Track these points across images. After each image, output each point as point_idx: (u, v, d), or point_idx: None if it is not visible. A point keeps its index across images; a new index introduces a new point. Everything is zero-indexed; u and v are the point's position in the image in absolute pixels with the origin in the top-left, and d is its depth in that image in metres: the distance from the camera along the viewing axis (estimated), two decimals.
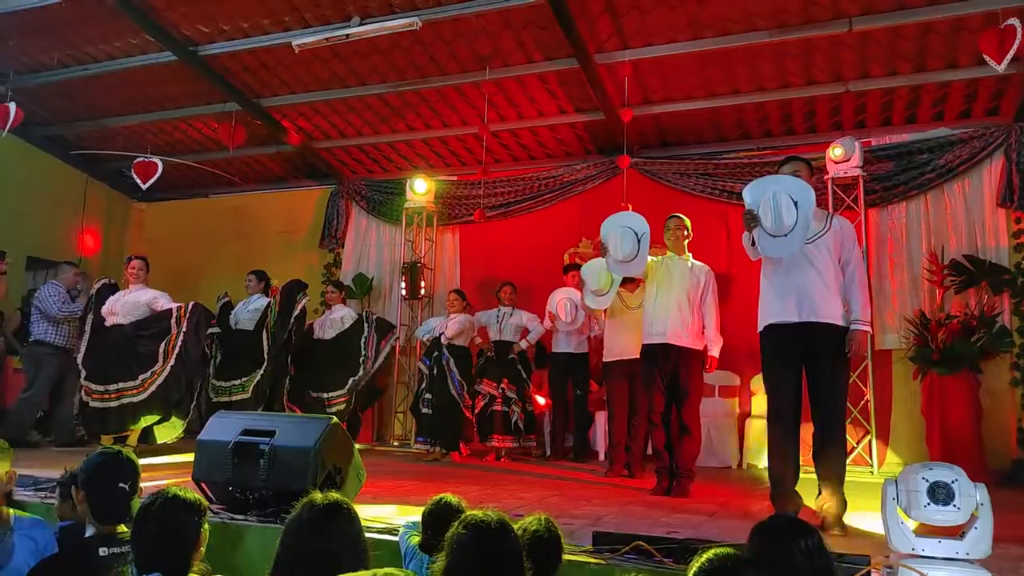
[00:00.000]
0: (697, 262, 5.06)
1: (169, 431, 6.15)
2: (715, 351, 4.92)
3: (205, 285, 8.62)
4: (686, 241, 5.07)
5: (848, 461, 4.27)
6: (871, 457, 6.46)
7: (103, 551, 2.28)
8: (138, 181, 8.30)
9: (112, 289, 6.40)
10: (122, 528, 2.35)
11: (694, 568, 1.81)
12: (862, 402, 6.49)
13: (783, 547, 1.89)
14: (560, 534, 2.41)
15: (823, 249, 3.83)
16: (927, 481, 2.37)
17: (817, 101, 7.01)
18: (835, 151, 6.58)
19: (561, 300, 6.69)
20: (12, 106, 7.35)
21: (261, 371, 6.33)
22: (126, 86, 8.20)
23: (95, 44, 7.60)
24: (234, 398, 6.23)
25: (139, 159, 8.34)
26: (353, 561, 1.94)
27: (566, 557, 2.59)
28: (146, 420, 6.02)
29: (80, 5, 6.86)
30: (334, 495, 2.07)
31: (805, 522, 2.01)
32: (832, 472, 3.68)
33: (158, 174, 8.25)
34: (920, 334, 6.25)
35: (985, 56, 5.34)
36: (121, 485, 2.34)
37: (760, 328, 3.94)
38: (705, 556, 1.83)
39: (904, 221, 6.90)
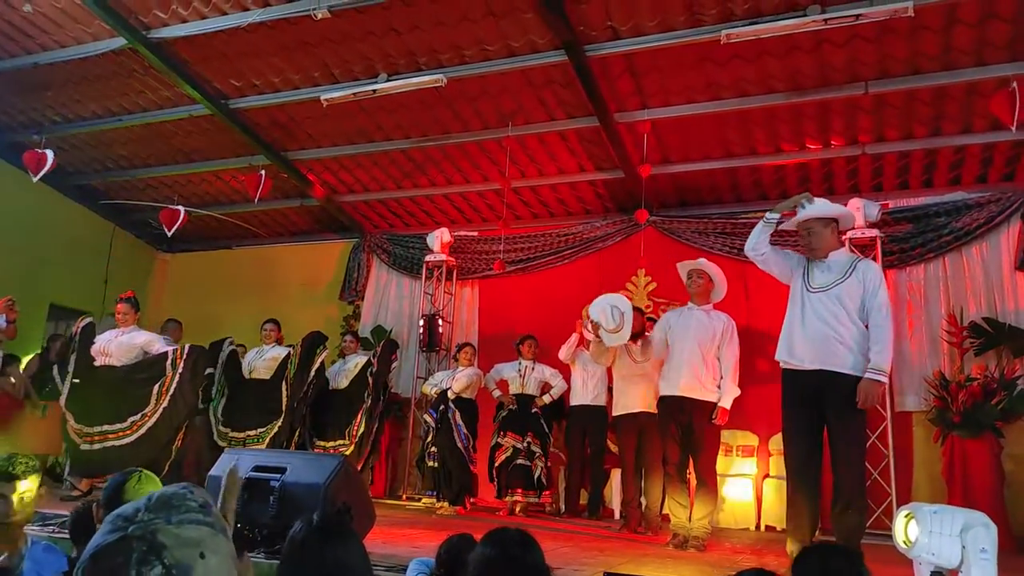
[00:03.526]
0: (717, 312, 5.02)
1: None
2: (726, 402, 4.76)
3: (226, 334, 8.68)
4: (712, 292, 5.01)
5: (868, 524, 4.18)
6: (891, 520, 6.27)
7: None
8: (164, 229, 8.47)
9: (94, 330, 6.27)
10: None
11: None
12: (882, 464, 6.35)
13: (834, 571, 1.82)
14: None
15: (834, 300, 3.84)
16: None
17: (834, 163, 7.10)
18: (870, 211, 6.58)
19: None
20: (49, 153, 7.58)
21: (279, 422, 6.27)
22: (157, 138, 8.48)
23: (129, 96, 7.89)
24: (248, 448, 6.16)
25: (165, 208, 8.54)
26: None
27: None
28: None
29: (117, 58, 7.17)
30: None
31: (853, 551, 1.95)
32: (845, 534, 3.60)
33: (182, 221, 8.42)
34: (940, 396, 6.15)
35: (998, 118, 5.41)
36: None
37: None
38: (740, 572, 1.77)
39: (923, 282, 6.88)
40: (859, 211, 6.51)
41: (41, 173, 7.67)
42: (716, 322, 4.93)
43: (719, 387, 4.79)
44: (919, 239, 6.89)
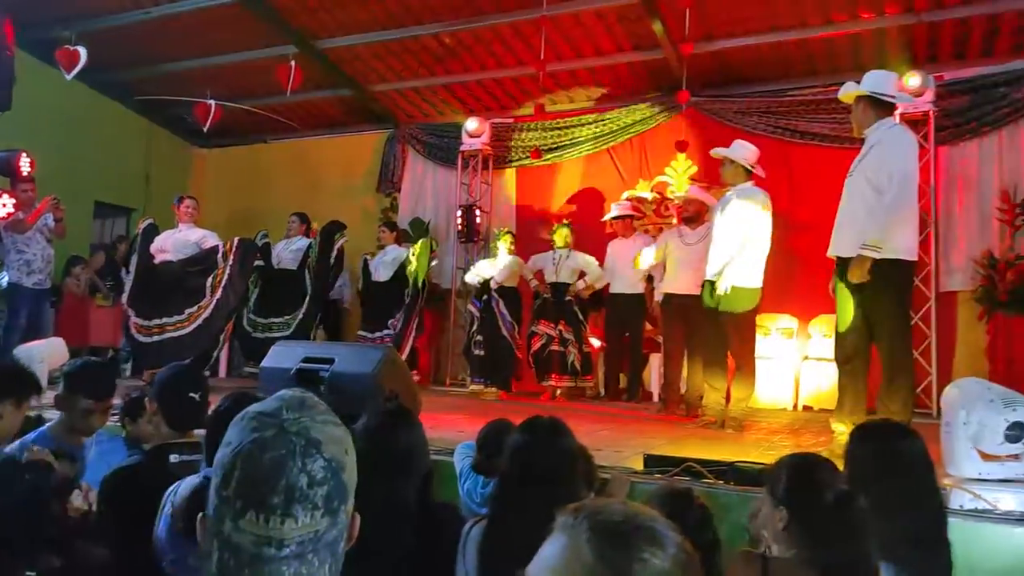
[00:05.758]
0: (748, 188, 4.89)
1: None
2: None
3: (265, 227, 8.80)
4: (734, 171, 4.91)
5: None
6: (931, 400, 6.31)
7: (174, 458, 2.39)
8: (198, 124, 8.44)
9: (155, 230, 6.51)
10: (192, 437, 2.47)
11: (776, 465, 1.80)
12: (924, 344, 6.32)
13: (888, 446, 1.86)
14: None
15: (857, 179, 3.73)
16: (1007, 422, 2.32)
17: (888, 33, 6.70)
18: (911, 80, 6.24)
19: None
20: (82, 50, 7.49)
21: (304, 309, 6.55)
22: (187, 30, 8.30)
23: None
24: (275, 334, 6.38)
25: (199, 103, 8.49)
26: (420, 463, 2.01)
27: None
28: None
29: None
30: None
31: (907, 426, 1.98)
32: (891, 412, 3.61)
33: (215, 115, 8.38)
34: (988, 275, 6.04)
35: None
36: (191, 395, 2.45)
37: None
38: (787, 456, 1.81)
39: (976, 159, 6.61)
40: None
41: (75, 71, 7.62)
42: (741, 201, 4.82)
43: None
44: (975, 112, 6.56)
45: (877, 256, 3.49)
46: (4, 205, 5.95)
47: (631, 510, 0.79)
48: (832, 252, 3.84)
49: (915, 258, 3.73)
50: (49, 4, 8.10)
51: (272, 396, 0.99)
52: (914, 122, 6.49)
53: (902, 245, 3.57)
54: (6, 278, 6.15)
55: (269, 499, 0.87)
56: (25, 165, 6.17)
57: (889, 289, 3.56)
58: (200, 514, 0.94)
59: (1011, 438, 2.28)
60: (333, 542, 0.92)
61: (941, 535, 1.82)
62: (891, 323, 3.62)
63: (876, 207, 3.56)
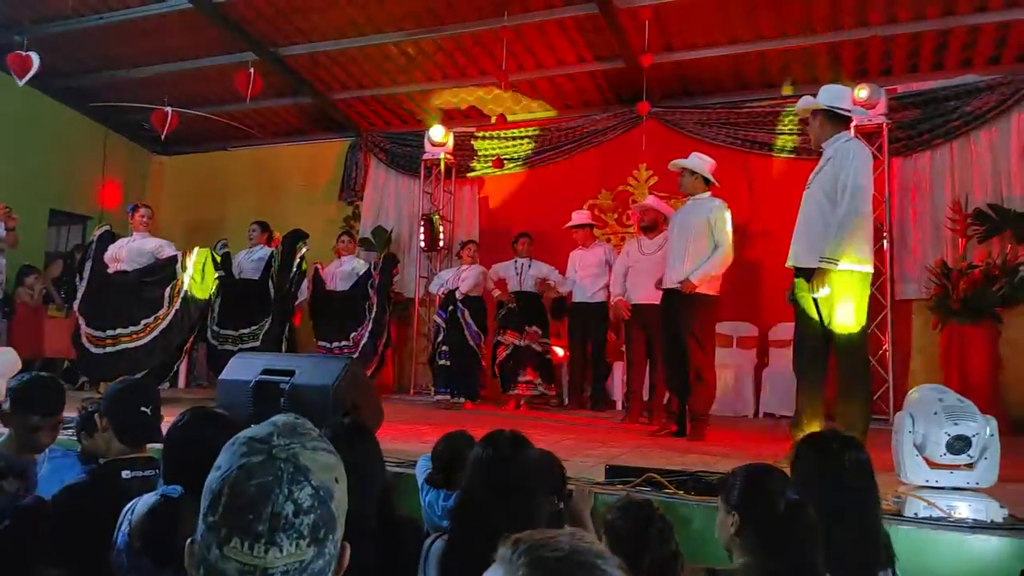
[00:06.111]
0: (705, 199, 4.97)
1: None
2: (695, 275, 4.73)
3: (226, 236, 8.67)
4: (692, 181, 4.97)
5: None
6: (889, 407, 6.45)
7: (126, 474, 2.34)
8: (156, 131, 8.30)
9: (112, 237, 6.36)
10: (145, 453, 2.41)
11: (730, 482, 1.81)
12: (880, 351, 6.46)
13: (831, 457, 1.89)
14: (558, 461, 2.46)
15: (814, 192, 3.82)
16: (948, 435, 2.37)
17: (842, 47, 6.86)
18: (860, 92, 6.41)
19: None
20: (35, 56, 7.31)
21: (269, 319, 6.47)
22: (143, 36, 8.16)
23: None
24: (241, 346, 6.28)
25: (156, 110, 8.34)
26: (373, 478, 1.99)
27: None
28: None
29: None
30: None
31: (851, 438, 2.01)
32: (847, 422, 3.64)
33: (172, 121, 8.23)
34: (941, 284, 6.19)
35: None
36: (143, 409, 2.39)
37: None
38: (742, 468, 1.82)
39: (928, 170, 6.79)
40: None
41: (27, 77, 7.43)
42: (700, 210, 4.90)
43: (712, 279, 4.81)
44: (927, 124, 6.74)
45: (835, 268, 3.56)
46: None
47: (576, 545, 0.75)
48: (791, 263, 3.91)
49: (871, 268, 3.80)
50: (0, 9, 7.92)
51: (266, 421, 0.97)
52: (868, 134, 6.65)
53: (858, 256, 3.64)
54: None
55: (254, 526, 0.85)
56: None
57: (845, 298, 3.63)
58: (188, 540, 0.92)
59: (953, 449, 2.34)
60: (319, 572, 0.89)
61: (875, 549, 1.85)
62: (848, 332, 3.68)
63: (832, 220, 3.63)
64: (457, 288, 6.90)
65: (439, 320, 7.04)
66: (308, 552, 0.87)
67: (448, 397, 6.87)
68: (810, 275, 3.69)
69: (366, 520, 1.92)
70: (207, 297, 6.21)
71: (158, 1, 7.56)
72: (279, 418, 0.98)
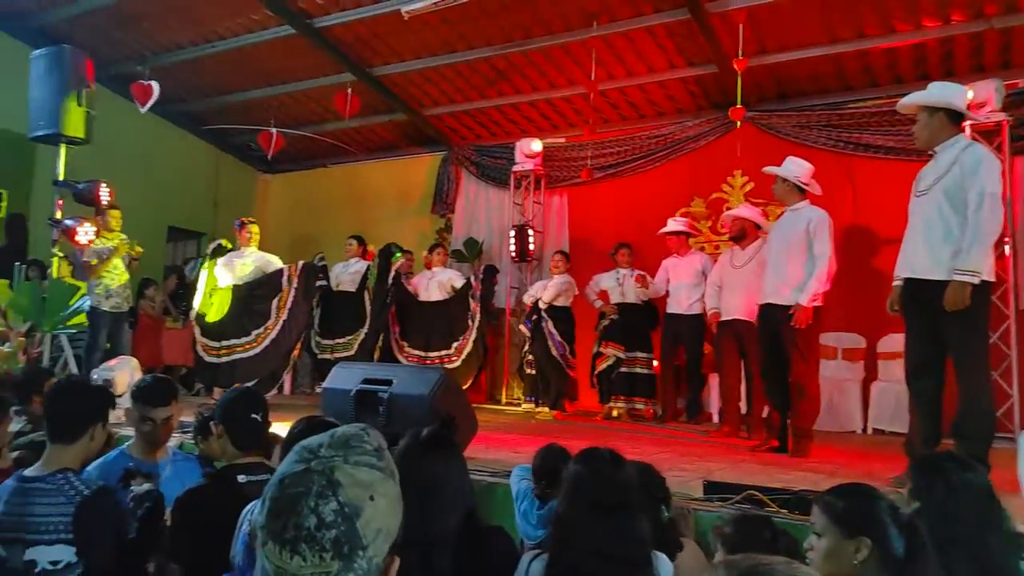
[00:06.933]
0: (806, 208, 4.74)
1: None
2: (803, 298, 4.47)
3: (324, 250, 8.99)
4: (785, 189, 4.77)
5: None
6: (1014, 424, 6.02)
7: (242, 478, 2.45)
8: (262, 151, 8.74)
9: (222, 250, 6.71)
10: (257, 457, 2.52)
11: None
12: (1004, 364, 6.03)
13: (947, 480, 1.78)
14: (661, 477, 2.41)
15: (934, 199, 3.56)
16: None
17: (956, 41, 6.47)
18: (982, 88, 5.99)
19: None
20: (155, 85, 7.87)
21: (365, 330, 6.69)
22: (250, 61, 8.62)
23: (221, 22, 8.02)
24: (337, 355, 6.52)
25: (262, 131, 8.78)
26: (452, 497, 1.92)
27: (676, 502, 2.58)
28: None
29: None
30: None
31: (967, 458, 1.90)
32: (967, 443, 3.40)
33: (277, 142, 8.68)
34: None
35: None
36: (254, 416, 2.51)
37: None
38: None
39: None
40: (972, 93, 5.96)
41: (149, 103, 8.00)
42: (799, 220, 4.68)
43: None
44: None
45: (976, 282, 3.35)
46: (86, 232, 6.24)
47: (794, 571, 0.77)
48: (905, 273, 3.67)
49: (993, 278, 3.56)
50: (125, 42, 8.54)
51: (330, 430, 1.00)
52: (986, 132, 6.24)
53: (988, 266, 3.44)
54: (88, 302, 6.44)
55: (284, 533, 0.89)
56: (104, 195, 6.45)
57: (968, 310, 3.39)
58: None
59: None
60: None
61: (1009, 570, 1.72)
62: (969, 345, 3.46)
63: (956, 230, 3.42)
64: (540, 298, 6.96)
65: (525, 330, 7.13)
66: (333, 565, 0.88)
67: (534, 405, 6.94)
68: (932, 287, 3.48)
69: (442, 532, 1.84)
70: (312, 308, 6.52)
71: (264, 28, 7.95)
72: (343, 428, 1.00)
